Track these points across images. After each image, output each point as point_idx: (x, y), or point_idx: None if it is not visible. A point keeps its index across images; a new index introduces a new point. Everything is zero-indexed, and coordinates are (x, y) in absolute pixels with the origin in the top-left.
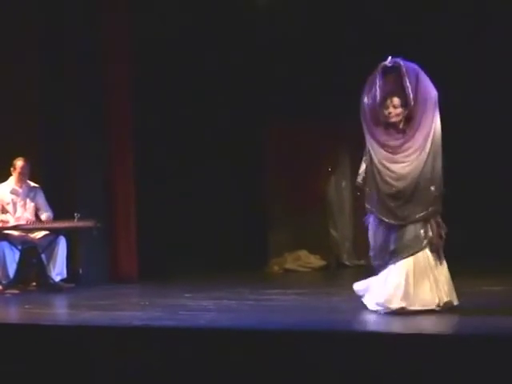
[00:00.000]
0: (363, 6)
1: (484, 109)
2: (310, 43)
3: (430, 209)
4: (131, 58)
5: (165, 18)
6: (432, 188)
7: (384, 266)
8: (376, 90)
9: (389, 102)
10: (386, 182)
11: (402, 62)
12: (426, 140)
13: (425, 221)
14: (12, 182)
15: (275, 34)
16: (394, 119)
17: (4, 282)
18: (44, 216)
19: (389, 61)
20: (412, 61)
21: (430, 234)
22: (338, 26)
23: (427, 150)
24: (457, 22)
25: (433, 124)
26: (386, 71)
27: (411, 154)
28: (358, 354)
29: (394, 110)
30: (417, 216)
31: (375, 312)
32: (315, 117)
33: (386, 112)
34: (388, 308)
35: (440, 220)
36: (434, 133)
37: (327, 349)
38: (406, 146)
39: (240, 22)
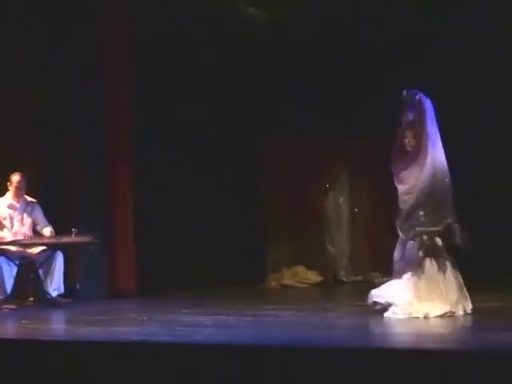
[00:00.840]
0: (363, 26)
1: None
2: (312, 60)
3: (419, 229)
4: (131, 60)
5: (165, 31)
6: (420, 212)
7: (398, 275)
8: (402, 121)
9: (408, 132)
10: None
11: (416, 96)
12: (418, 173)
13: (418, 238)
14: (9, 196)
15: (277, 49)
16: (408, 148)
17: (1, 297)
18: (47, 230)
19: (404, 94)
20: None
21: (421, 252)
22: (340, 45)
23: (420, 181)
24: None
25: (425, 159)
26: (410, 103)
27: (405, 183)
28: (355, 370)
29: (412, 139)
30: (409, 234)
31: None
32: (314, 134)
33: (405, 141)
34: (405, 314)
35: (433, 238)
36: (433, 167)
37: (324, 365)
38: (401, 175)
39: (241, 36)
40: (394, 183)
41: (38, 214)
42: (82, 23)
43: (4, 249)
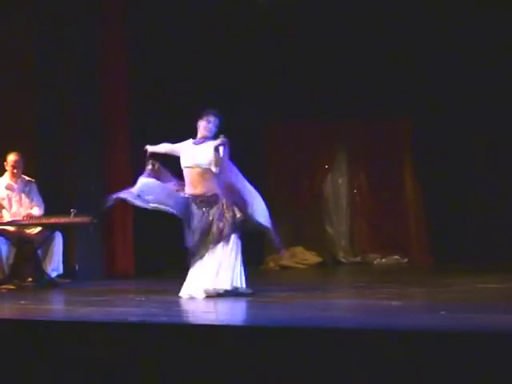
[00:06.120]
0: (362, 10)
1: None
2: (312, 41)
3: None
4: (130, 53)
5: (164, 16)
6: None
7: None
8: None
9: None
10: None
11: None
12: None
13: None
14: (7, 177)
15: (276, 33)
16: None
17: (0, 277)
18: (34, 210)
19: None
20: None
21: None
22: (339, 28)
23: None
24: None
25: None
26: None
27: None
28: (354, 351)
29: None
30: None
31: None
32: (313, 115)
33: None
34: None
35: None
36: None
37: (323, 345)
38: None
39: (241, 22)
40: (392, 164)
41: (33, 193)
42: (81, 20)
43: (2, 229)
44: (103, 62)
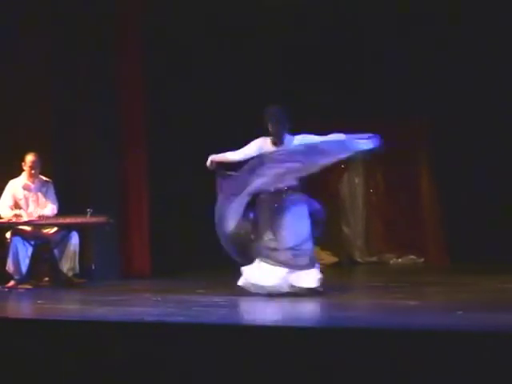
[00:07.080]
0: (366, 10)
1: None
2: (325, 42)
3: None
4: (145, 53)
5: (177, 16)
6: None
7: None
8: None
9: None
10: None
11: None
12: None
13: None
14: (24, 177)
15: (283, 33)
16: None
17: (17, 277)
18: (47, 209)
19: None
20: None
21: None
22: (342, 28)
23: None
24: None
25: None
26: None
27: None
28: (369, 351)
29: None
30: None
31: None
32: (328, 114)
33: None
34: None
35: None
36: None
37: (339, 345)
38: None
39: (249, 23)
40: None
41: (50, 193)
42: (95, 20)
43: (19, 229)
44: (119, 63)
